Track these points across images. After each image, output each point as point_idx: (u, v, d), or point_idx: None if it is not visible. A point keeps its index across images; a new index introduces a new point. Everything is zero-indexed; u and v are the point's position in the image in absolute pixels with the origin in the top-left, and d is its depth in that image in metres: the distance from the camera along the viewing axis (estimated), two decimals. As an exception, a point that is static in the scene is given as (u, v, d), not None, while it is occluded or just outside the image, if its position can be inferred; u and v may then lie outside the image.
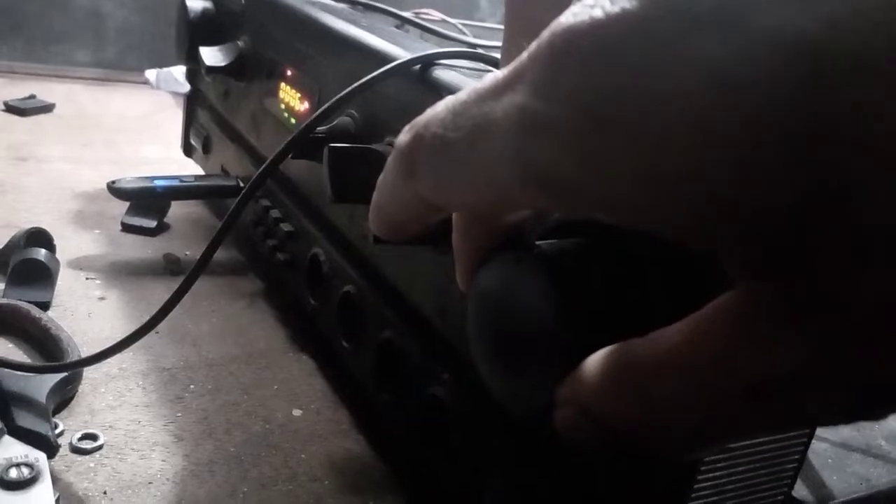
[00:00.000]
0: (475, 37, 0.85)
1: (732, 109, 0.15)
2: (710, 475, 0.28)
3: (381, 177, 0.24)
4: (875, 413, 0.17)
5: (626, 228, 0.18)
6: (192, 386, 0.55)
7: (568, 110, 0.17)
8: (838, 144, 0.14)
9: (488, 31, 0.97)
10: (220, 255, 0.75)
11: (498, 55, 0.48)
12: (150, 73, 1.35)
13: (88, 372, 0.54)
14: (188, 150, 0.91)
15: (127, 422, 0.51)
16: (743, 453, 0.28)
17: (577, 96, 0.17)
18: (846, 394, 0.16)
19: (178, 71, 1.24)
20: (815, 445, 0.47)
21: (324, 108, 0.43)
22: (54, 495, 0.41)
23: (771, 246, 0.15)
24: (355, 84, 0.43)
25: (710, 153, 0.15)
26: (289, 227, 0.63)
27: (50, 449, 0.44)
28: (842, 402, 0.16)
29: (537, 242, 0.30)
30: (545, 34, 0.17)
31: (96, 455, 0.47)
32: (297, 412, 0.54)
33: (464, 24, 0.92)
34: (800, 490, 0.42)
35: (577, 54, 0.17)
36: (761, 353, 0.16)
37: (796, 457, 0.30)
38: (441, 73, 0.44)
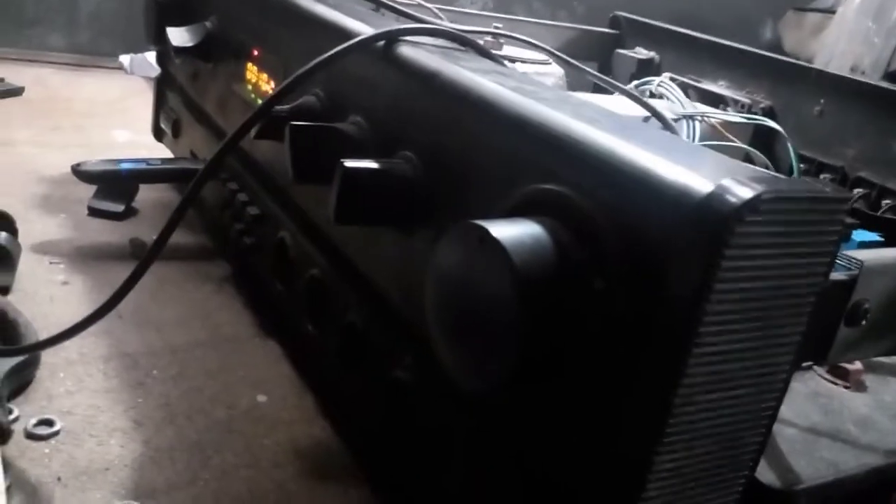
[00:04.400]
0: (452, 22, 0.84)
1: None
2: (669, 457, 0.27)
3: None
4: None
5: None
6: (154, 371, 0.54)
7: None
8: None
9: (466, 17, 0.96)
10: (188, 239, 0.74)
11: (473, 38, 0.48)
12: (124, 58, 1.32)
13: (47, 357, 0.53)
14: (158, 134, 0.89)
15: (85, 407, 0.50)
16: (701, 435, 0.27)
17: None
18: None
19: (153, 56, 1.22)
20: (784, 431, 0.47)
21: (283, 84, 0.42)
22: (5, 482, 0.40)
23: None
24: (315, 60, 0.42)
25: None
26: (256, 210, 0.61)
27: (2, 435, 0.43)
28: None
29: (496, 222, 0.29)
30: None
31: (52, 441, 0.46)
32: (261, 398, 0.53)
33: (441, 9, 0.91)
34: (767, 475, 0.42)
35: None
36: None
37: (758, 439, 0.29)
38: (405, 49, 0.43)
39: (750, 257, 0.24)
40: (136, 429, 0.48)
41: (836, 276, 0.29)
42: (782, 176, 0.27)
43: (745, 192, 0.24)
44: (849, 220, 0.27)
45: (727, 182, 0.24)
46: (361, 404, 0.47)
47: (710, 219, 0.24)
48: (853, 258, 0.30)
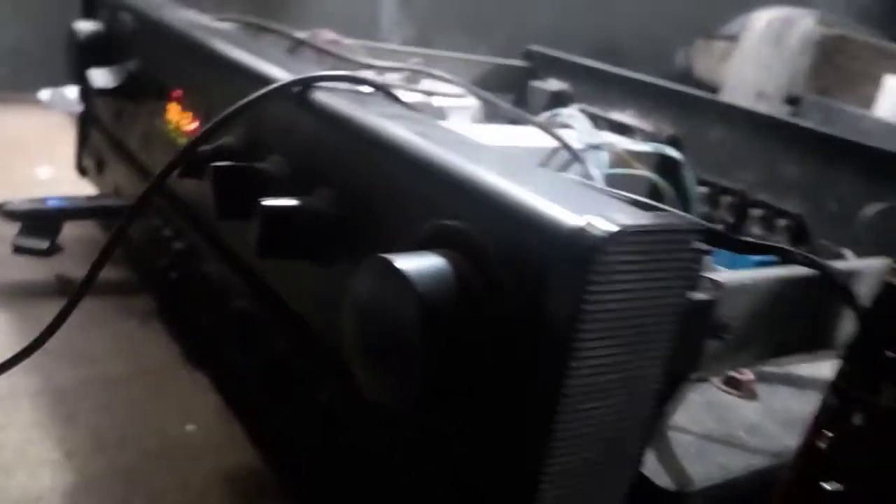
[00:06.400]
0: (373, 57, 0.88)
1: None
2: (560, 459, 0.30)
3: None
4: None
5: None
6: (84, 404, 0.56)
7: None
8: None
9: (386, 52, 0.99)
10: (113, 274, 0.75)
11: (389, 75, 0.51)
12: (45, 93, 1.32)
13: (-25, 394, 0.54)
14: (83, 170, 0.90)
15: (17, 441, 0.51)
16: (586, 439, 0.31)
17: None
18: None
19: (73, 91, 1.22)
20: (681, 437, 0.51)
21: (205, 129, 0.45)
22: (-62, 517, 0.41)
23: None
24: (235, 105, 0.45)
25: None
26: (181, 245, 0.63)
27: (-67, 471, 0.44)
28: None
29: (403, 255, 0.33)
30: None
31: (-18, 476, 0.47)
32: (190, 427, 0.55)
33: (361, 45, 0.94)
34: (663, 479, 0.45)
35: None
36: None
37: (638, 441, 0.33)
38: (319, 94, 0.46)
39: (615, 282, 0.28)
40: (67, 460, 0.50)
41: (698, 296, 0.33)
42: (665, 208, 0.31)
43: (608, 227, 0.28)
44: (704, 245, 0.31)
45: (593, 218, 0.28)
46: (288, 429, 0.50)
47: (578, 251, 0.28)
48: (715, 280, 0.34)
